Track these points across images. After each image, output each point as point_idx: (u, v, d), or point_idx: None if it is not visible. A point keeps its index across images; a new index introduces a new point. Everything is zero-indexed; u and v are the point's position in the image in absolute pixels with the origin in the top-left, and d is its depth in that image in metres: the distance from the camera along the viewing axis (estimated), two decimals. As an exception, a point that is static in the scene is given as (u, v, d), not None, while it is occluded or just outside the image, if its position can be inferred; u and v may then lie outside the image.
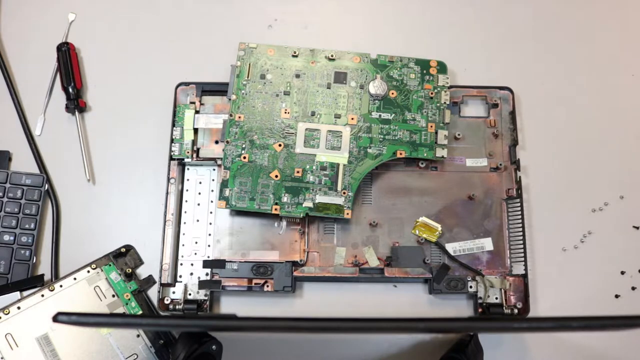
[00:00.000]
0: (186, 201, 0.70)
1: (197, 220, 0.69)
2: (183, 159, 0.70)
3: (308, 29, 0.77)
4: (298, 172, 0.67)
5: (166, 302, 0.66)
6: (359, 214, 0.69)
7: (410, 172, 0.70)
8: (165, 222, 0.68)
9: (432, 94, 0.70)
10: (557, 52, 0.76)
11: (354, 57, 0.71)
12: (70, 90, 0.72)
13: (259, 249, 0.68)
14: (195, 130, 0.71)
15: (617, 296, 0.69)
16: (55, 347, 0.64)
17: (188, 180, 0.70)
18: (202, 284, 0.67)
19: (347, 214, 0.67)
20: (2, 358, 0.63)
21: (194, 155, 0.70)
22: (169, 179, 0.69)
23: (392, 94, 0.70)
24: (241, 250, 0.68)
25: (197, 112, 0.71)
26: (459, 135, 0.71)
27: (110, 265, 0.67)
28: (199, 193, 0.70)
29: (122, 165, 0.72)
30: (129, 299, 0.66)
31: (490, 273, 0.68)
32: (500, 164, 0.71)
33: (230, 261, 0.67)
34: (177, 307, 0.66)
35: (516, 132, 0.71)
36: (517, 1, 0.78)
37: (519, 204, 0.69)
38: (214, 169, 0.71)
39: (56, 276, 0.68)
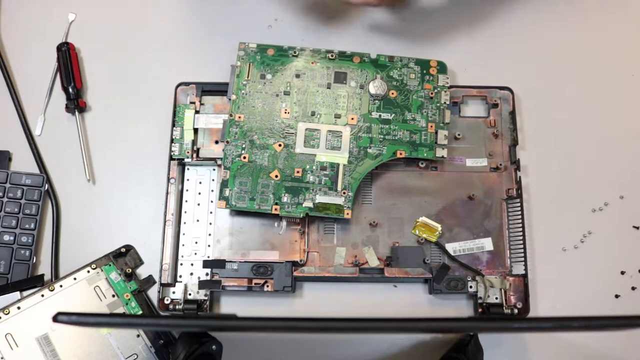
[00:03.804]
0: (186, 201, 0.70)
1: (197, 220, 0.69)
2: (183, 159, 0.70)
3: (308, 29, 0.77)
4: (298, 172, 0.67)
5: (166, 302, 0.66)
6: (359, 214, 0.69)
7: (410, 172, 0.70)
8: (165, 222, 0.68)
9: (432, 94, 0.70)
10: (557, 52, 0.76)
11: (354, 57, 0.71)
12: (70, 90, 0.72)
13: (259, 249, 0.68)
14: (195, 130, 0.71)
15: (617, 296, 0.69)
16: (55, 347, 0.64)
17: (188, 180, 0.70)
18: (202, 284, 0.67)
19: (347, 214, 0.67)
20: (2, 358, 0.63)
21: (194, 155, 0.70)
22: (169, 179, 0.69)
23: (392, 94, 0.70)
24: (241, 250, 0.68)
25: (197, 112, 0.71)
26: (459, 135, 0.71)
27: (110, 265, 0.67)
28: (199, 193, 0.70)
29: (122, 165, 0.72)
30: (129, 299, 0.66)
31: (490, 273, 0.68)
32: (500, 164, 0.71)
33: (230, 261, 0.67)
34: (177, 307, 0.66)
35: (516, 132, 0.71)
36: (517, 1, 0.78)
37: (519, 204, 0.69)
38: (214, 169, 0.71)
39: (56, 276, 0.68)
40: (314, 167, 0.68)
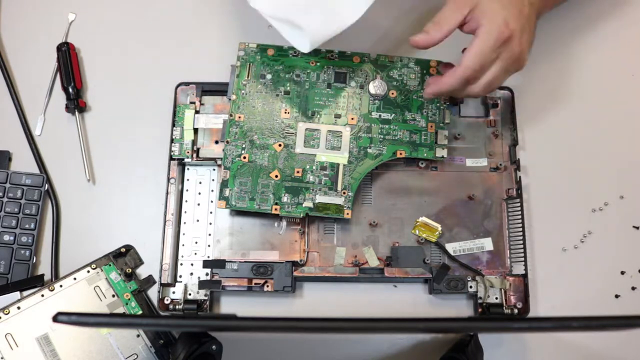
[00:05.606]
0: (186, 201, 0.70)
1: (197, 220, 0.69)
2: (183, 159, 0.70)
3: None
4: (298, 172, 0.67)
5: (166, 302, 0.66)
6: (359, 214, 0.69)
7: (410, 172, 0.70)
8: (165, 222, 0.68)
9: (432, 94, 0.70)
10: (557, 52, 0.76)
11: (354, 57, 0.71)
12: (70, 90, 0.72)
13: (259, 249, 0.68)
14: (195, 130, 0.71)
15: (617, 296, 0.69)
16: (55, 347, 0.64)
17: (188, 180, 0.70)
18: (202, 284, 0.67)
19: (347, 214, 0.67)
20: (2, 358, 0.63)
21: (194, 155, 0.70)
22: (169, 179, 0.69)
23: (392, 94, 0.70)
24: (241, 250, 0.68)
25: (197, 112, 0.71)
26: (459, 135, 0.71)
27: (110, 265, 0.67)
28: (199, 193, 0.70)
29: (122, 165, 0.72)
30: (129, 299, 0.66)
31: (490, 273, 0.68)
32: (500, 164, 0.71)
33: (230, 261, 0.67)
34: (177, 307, 0.66)
35: (516, 132, 0.71)
36: (517, 1, 0.78)
37: (519, 204, 0.69)
38: (214, 169, 0.71)
39: (56, 276, 0.68)
40: (314, 167, 0.68)
